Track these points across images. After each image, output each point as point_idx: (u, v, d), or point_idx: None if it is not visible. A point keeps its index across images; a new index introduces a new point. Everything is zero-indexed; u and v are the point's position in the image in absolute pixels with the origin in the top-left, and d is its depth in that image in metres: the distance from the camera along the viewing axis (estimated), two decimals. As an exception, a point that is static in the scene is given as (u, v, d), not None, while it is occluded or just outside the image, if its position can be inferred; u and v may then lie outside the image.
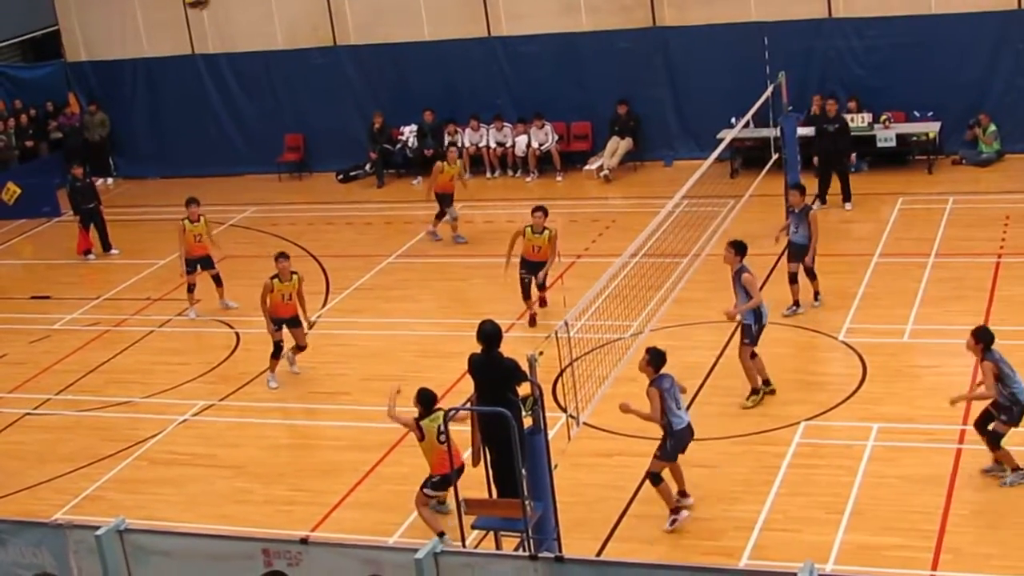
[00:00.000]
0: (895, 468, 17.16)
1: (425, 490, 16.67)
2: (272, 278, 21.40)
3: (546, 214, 22.88)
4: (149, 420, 21.04)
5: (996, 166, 28.81)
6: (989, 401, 16.51)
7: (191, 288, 24.81)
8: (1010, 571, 14.42)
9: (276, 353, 21.60)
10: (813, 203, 26.02)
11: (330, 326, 23.93)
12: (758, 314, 18.91)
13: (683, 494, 16.79)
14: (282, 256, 21.63)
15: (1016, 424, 16.47)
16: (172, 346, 24.06)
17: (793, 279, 22.11)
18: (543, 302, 23.07)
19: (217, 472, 19.22)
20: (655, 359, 16.46)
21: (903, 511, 16.18)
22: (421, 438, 16.53)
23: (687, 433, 16.50)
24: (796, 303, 22.09)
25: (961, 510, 16.13)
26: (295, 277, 21.52)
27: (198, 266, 24.70)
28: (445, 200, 27.34)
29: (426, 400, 16.72)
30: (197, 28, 34.64)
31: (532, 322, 22.67)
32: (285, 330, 21.61)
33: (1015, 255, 23.52)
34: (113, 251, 29.33)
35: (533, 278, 22.79)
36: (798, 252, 21.97)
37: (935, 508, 16.11)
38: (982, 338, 16.53)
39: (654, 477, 16.43)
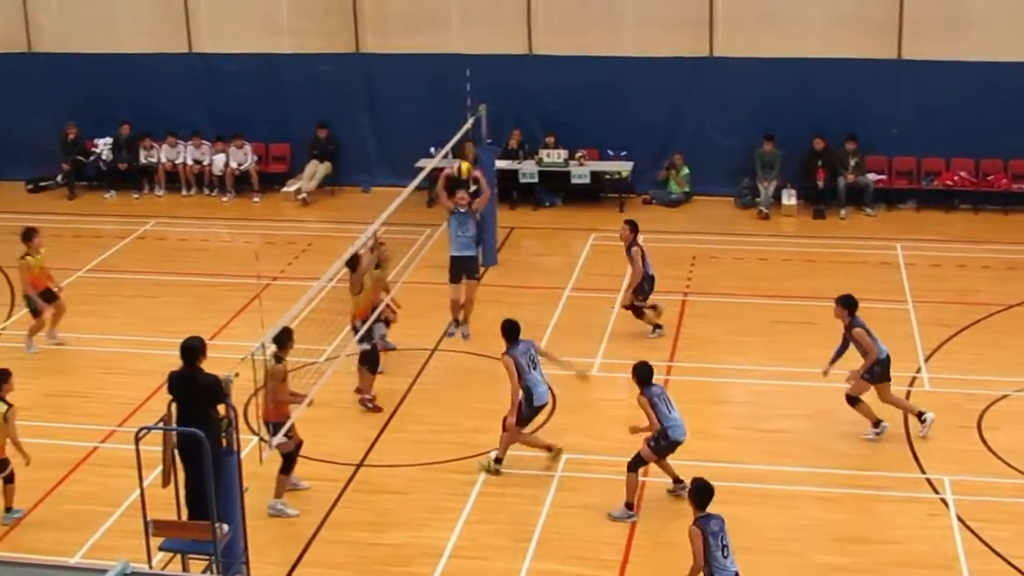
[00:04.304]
0: (581, 498, 17.51)
1: None
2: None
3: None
4: None
5: (684, 207, 29.81)
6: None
7: None
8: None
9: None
10: None
11: (13, 339, 23.21)
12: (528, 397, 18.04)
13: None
14: None
15: (661, 457, 17.21)
16: None
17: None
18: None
19: None
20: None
21: (588, 541, 16.54)
22: None
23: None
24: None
25: (643, 541, 16.57)
26: None
27: None
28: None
29: None
30: None
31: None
32: None
33: (700, 294, 24.33)
34: None
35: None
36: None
37: (619, 538, 16.52)
38: (640, 375, 17.17)
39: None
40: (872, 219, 28.90)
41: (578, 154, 29.95)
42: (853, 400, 18.81)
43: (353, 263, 19.86)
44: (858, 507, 17.35)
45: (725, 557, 14.03)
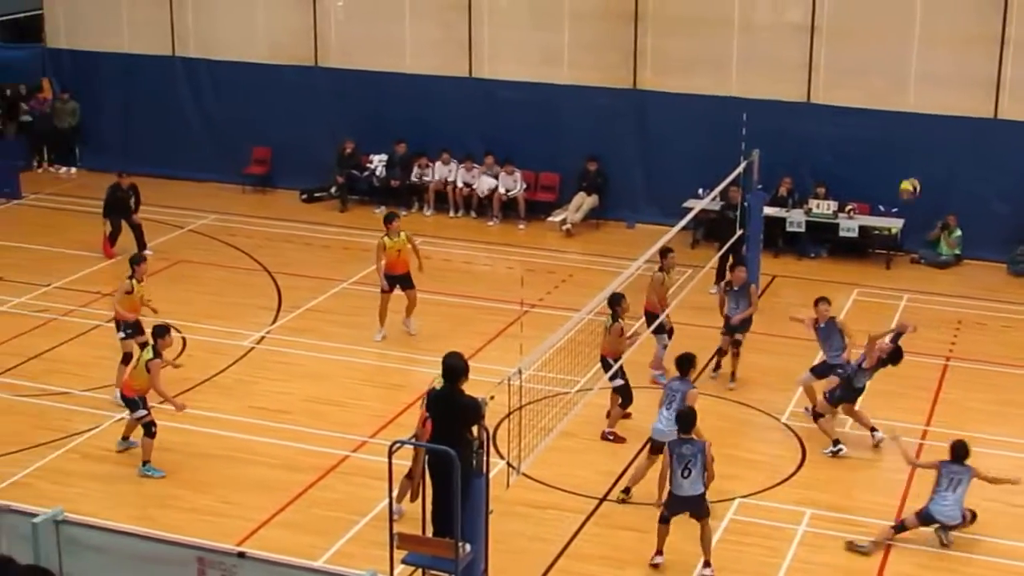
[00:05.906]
0: (823, 555, 17.23)
1: None
2: None
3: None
4: (85, 413, 20.87)
5: (953, 270, 28.96)
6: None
7: None
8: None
9: None
10: (715, 284, 26.06)
11: (277, 343, 23.86)
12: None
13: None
14: None
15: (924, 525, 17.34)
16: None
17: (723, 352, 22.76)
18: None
19: (146, 474, 19.13)
20: (955, 449, 17.41)
21: (827, 599, 16.28)
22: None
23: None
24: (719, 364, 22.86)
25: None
26: None
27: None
28: None
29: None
30: (180, 30, 34.59)
31: None
32: None
33: (963, 360, 23.66)
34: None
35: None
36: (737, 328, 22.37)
37: (859, 600, 16.22)
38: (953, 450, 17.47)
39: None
40: None
41: (848, 207, 29.43)
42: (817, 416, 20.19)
43: (616, 305, 20.03)
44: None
45: (684, 477, 16.12)
